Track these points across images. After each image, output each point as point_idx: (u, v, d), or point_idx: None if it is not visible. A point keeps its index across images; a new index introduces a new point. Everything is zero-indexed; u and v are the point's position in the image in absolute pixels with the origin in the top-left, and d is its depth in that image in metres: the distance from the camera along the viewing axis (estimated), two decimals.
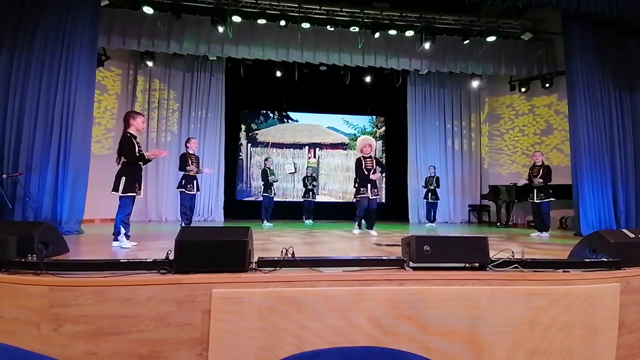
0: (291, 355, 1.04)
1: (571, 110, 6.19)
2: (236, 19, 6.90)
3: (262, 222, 7.13)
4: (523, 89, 8.58)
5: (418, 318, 2.09)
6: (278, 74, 8.47)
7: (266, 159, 7.73)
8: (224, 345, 1.92)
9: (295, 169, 9.26)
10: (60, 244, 2.94)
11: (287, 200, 9.58)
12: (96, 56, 5.75)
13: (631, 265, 2.56)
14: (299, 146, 9.87)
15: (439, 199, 8.42)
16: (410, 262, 2.37)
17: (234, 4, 6.85)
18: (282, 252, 2.30)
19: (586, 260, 2.67)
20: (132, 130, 3.78)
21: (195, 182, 5.68)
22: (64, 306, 1.89)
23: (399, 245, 2.70)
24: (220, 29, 6.83)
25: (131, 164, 3.74)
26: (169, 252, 2.15)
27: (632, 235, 2.75)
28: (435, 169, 8.53)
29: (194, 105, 8.59)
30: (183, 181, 5.62)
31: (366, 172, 5.41)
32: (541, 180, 5.79)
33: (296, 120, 10.03)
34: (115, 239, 3.65)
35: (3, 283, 1.97)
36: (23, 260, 2.17)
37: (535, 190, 5.93)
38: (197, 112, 8.60)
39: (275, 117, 9.94)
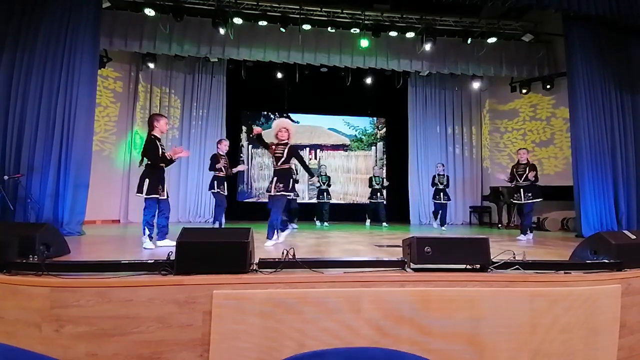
0: (292, 356, 1.04)
1: (572, 112, 6.18)
2: (237, 20, 6.92)
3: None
4: (524, 90, 8.58)
5: (419, 319, 2.09)
6: (279, 75, 8.48)
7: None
8: (225, 346, 1.92)
9: (296, 170, 9.24)
10: (62, 245, 2.94)
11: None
12: (98, 58, 5.76)
13: (632, 266, 2.55)
14: (300, 147, 9.87)
15: (450, 200, 7.60)
16: (411, 264, 2.37)
17: (235, 5, 6.87)
18: (283, 253, 2.30)
19: (587, 261, 2.66)
20: (156, 133, 3.84)
21: (225, 183, 5.57)
22: (65, 307, 1.90)
23: (399, 247, 2.70)
24: (222, 31, 6.85)
25: (154, 166, 3.78)
26: (170, 253, 2.15)
27: (634, 237, 2.73)
28: (444, 166, 7.75)
29: (195, 107, 8.61)
30: (215, 182, 5.49)
31: (274, 161, 4.29)
32: (533, 179, 5.47)
33: (297, 122, 10.03)
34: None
35: (4, 284, 1.97)
36: (24, 261, 2.18)
37: (522, 190, 5.58)
38: (199, 114, 8.61)
39: (277, 118, 9.95)
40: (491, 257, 2.44)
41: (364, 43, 7.33)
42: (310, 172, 4.68)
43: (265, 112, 9.88)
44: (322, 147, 10.01)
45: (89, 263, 2.31)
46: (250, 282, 2.08)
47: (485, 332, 2.11)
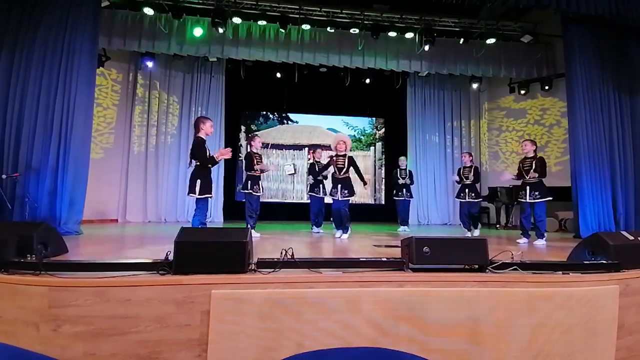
0: (290, 356, 1.04)
1: (570, 113, 6.18)
2: (236, 20, 6.92)
3: (312, 228, 6.22)
4: (522, 92, 8.59)
5: (417, 319, 2.09)
6: (278, 75, 8.48)
7: (314, 151, 6.64)
8: (223, 346, 1.92)
9: (295, 170, 9.23)
10: (59, 245, 2.93)
11: (286, 201, 9.58)
12: (96, 57, 5.75)
13: (630, 267, 2.55)
14: (299, 147, 9.87)
15: (479, 198, 6.09)
16: (410, 264, 2.37)
17: (234, 5, 6.86)
18: (281, 253, 2.30)
19: (585, 262, 2.67)
20: (202, 135, 3.95)
21: (260, 182, 5.35)
22: (63, 307, 1.89)
23: (398, 247, 2.70)
24: (221, 30, 6.84)
25: (203, 166, 3.90)
26: (169, 253, 2.15)
27: (632, 238, 2.74)
28: (471, 156, 6.25)
29: (193, 106, 8.60)
30: (249, 182, 5.23)
31: (336, 171, 5.24)
32: (536, 175, 4.83)
33: (296, 122, 10.04)
34: None
35: (3, 283, 1.97)
36: (22, 260, 2.17)
37: (528, 188, 4.87)
38: (197, 113, 8.58)
39: (275, 118, 9.95)
40: (489, 258, 2.44)
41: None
42: (363, 181, 5.49)
43: (264, 112, 9.87)
44: (321, 147, 10.00)
45: (87, 263, 2.31)
46: (248, 282, 2.08)
47: (484, 333, 2.12)
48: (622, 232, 2.93)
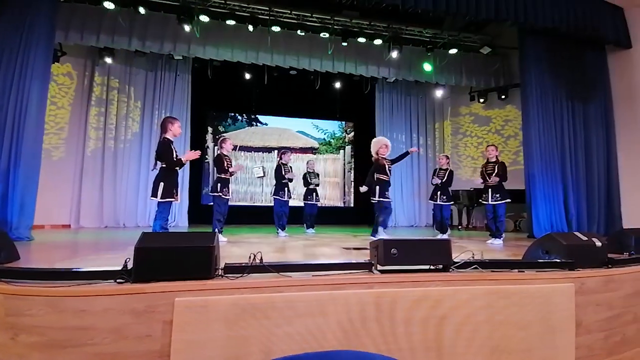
0: None
1: (525, 120, 6.55)
2: (204, 18, 6.75)
3: (277, 231, 6.27)
4: (481, 100, 9.05)
5: (386, 320, 2.12)
6: (247, 76, 8.37)
7: (283, 153, 6.67)
8: (186, 357, 1.84)
9: (264, 172, 9.12)
10: (11, 251, 2.73)
11: (255, 204, 9.44)
12: (52, 52, 5.41)
13: (584, 267, 2.65)
14: (268, 150, 9.78)
15: (449, 201, 6.15)
16: (378, 265, 2.41)
17: (202, 3, 6.69)
18: (250, 257, 2.25)
19: (541, 261, 2.80)
20: (169, 136, 3.80)
21: (229, 186, 5.23)
22: (18, 315, 1.78)
23: (367, 249, 2.73)
24: (187, 28, 6.64)
25: (169, 169, 3.74)
26: (128, 260, 2.03)
27: (585, 238, 2.83)
28: (448, 158, 6.39)
29: (157, 106, 8.27)
30: (218, 185, 5.09)
31: (387, 174, 5.42)
32: (497, 179, 5.19)
33: (265, 124, 9.95)
34: None
35: None
36: None
37: (490, 191, 5.26)
38: (161, 113, 8.27)
39: (244, 120, 9.80)
40: (452, 258, 2.53)
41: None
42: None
43: (233, 114, 9.70)
44: (291, 150, 9.97)
45: (43, 271, 2.14)
46: (215, 288, 2.01)
47: (448, 330, 2.18)
48: (575, 232, 3.05)
